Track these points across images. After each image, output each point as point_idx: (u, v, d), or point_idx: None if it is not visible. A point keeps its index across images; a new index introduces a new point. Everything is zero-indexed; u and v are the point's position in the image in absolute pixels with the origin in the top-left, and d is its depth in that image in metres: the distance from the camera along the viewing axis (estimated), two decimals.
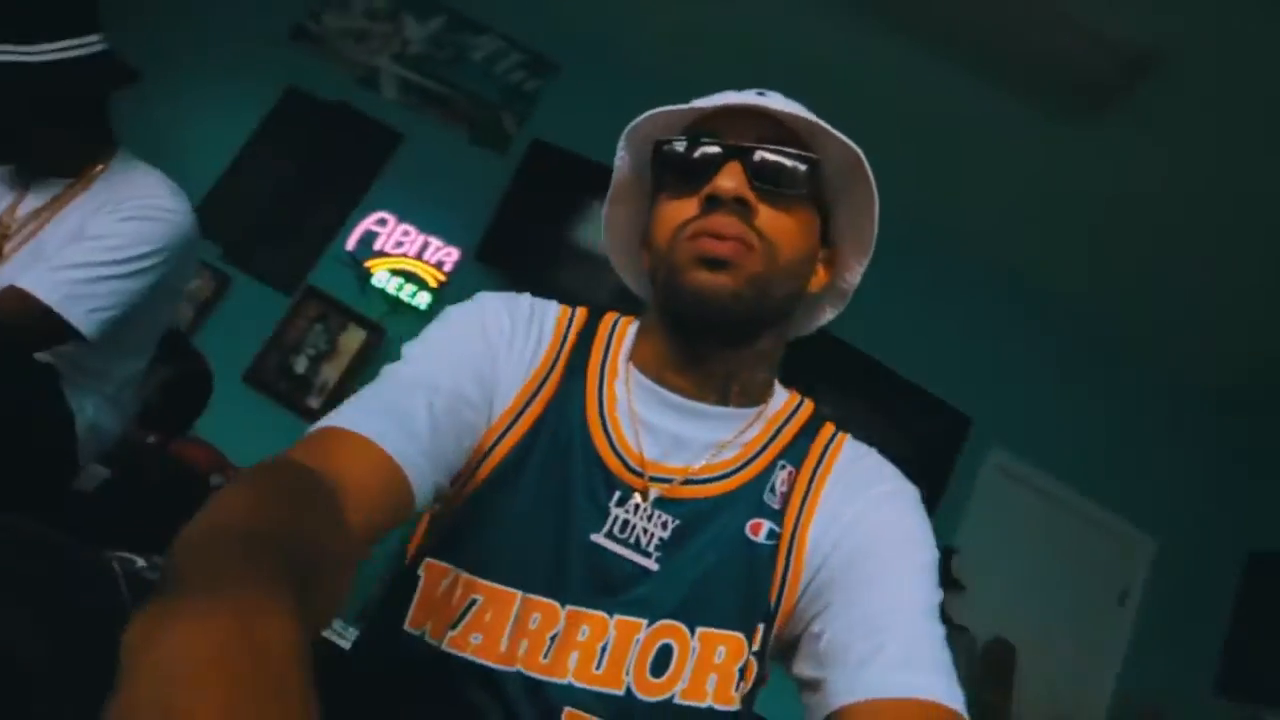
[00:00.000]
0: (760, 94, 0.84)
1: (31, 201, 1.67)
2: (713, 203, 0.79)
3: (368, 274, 3.51)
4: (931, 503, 3.29)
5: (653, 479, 0.83)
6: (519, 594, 0.78)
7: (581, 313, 0.92)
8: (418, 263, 3.55)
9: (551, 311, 0.91)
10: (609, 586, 0.79)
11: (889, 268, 3.29)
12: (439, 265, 3.56)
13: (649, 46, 3.57)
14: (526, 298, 0.92)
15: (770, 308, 0.83)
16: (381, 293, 3.51)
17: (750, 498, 0.84)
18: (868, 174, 0.83)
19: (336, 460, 0.63)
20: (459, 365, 0.80)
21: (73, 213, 1.62)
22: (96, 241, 1.54)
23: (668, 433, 0.84)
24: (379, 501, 0.65)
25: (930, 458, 3.57)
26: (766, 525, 0.83)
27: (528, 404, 0.85)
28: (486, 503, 0.82)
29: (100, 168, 1.65)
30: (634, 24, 3.61)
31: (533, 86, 3.86)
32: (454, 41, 3.89)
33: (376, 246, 3.56)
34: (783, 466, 0.86)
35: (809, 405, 0.94)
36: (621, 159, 0.90)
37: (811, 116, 0.82)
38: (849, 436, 0.92)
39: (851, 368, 3.54)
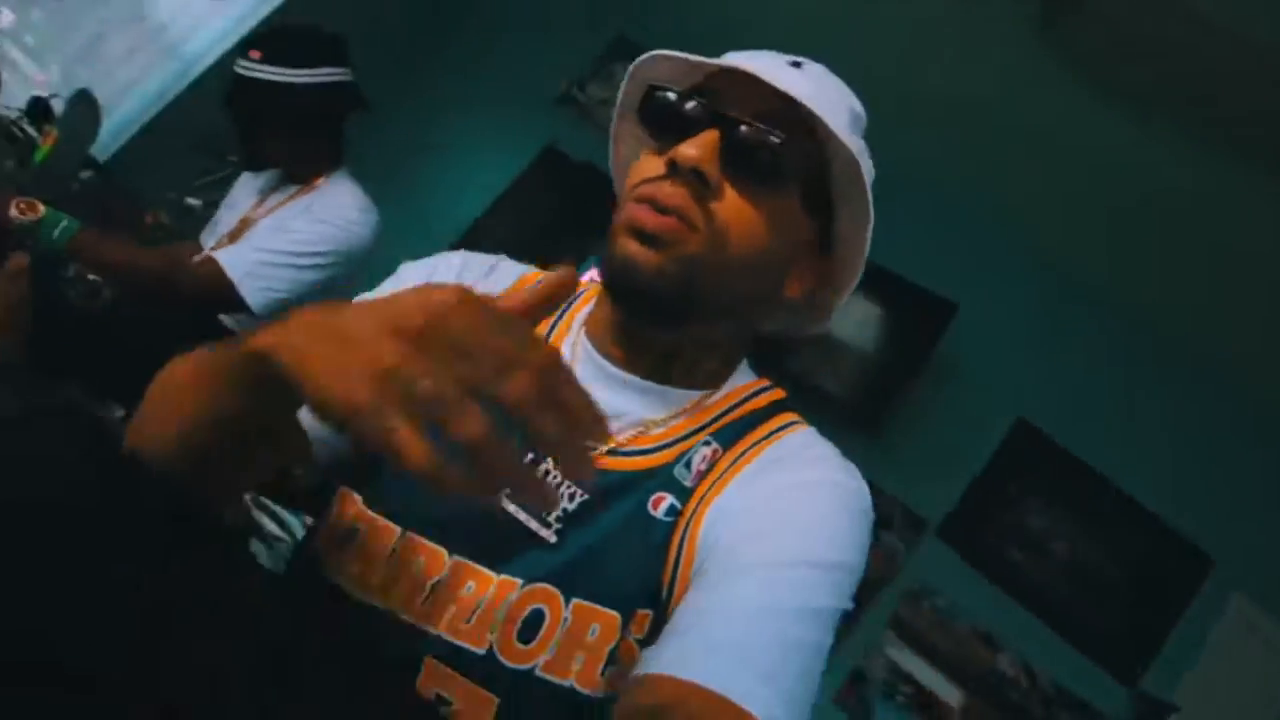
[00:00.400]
0: (795, 63, 0.76)
1: (270, 203, 1.98)
2: (671, 169, 0.72)
3: None
4: (1152, 648, 2.99)
5: None
6: (398, 530, 0.76)
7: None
8: None
9: (515, 270, 0.88)
10: (500, 547, 0.75)
11: (1127, 381, 3.12)
12: None
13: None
14: (492, 257, 0.89)
15: (707, 297, 0.74)
16: None
17: (664, 474, 0.77)
18: (865, 186, 0.75)
19: None
20: None
21: (285, 210, 1.92)
22: (286, 234, 1.85)
23: (601, 404, 0.76)
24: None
25: (1158, 597, 3.19)
26: (668, 500, 0.76)
27: None
28: None
29: (322, 180, 1.98)
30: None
31: None
32: None
33: None
34: (707, 443, 0.79)
35: (773, 394, 0.85)
36: (624, 93, 0.85)
37: (837, 101, 0.74)
38: (809, 429, 0.83)
39: (1076, 481, 3.26)
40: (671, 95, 0.75)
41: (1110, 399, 3.19)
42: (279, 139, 1.93)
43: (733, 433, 0.80)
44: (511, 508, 0.76)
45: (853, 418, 3.30)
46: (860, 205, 0.77)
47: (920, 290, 3.28)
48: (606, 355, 0.81)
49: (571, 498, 0.76)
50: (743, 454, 0.78)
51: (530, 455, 0.75)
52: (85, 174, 2.60)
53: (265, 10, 3.46)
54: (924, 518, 3.23)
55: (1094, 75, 2.65)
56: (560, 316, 0.86)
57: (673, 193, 0.71)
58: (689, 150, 0.70)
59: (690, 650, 0.62)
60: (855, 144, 0.75)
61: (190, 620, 0.51)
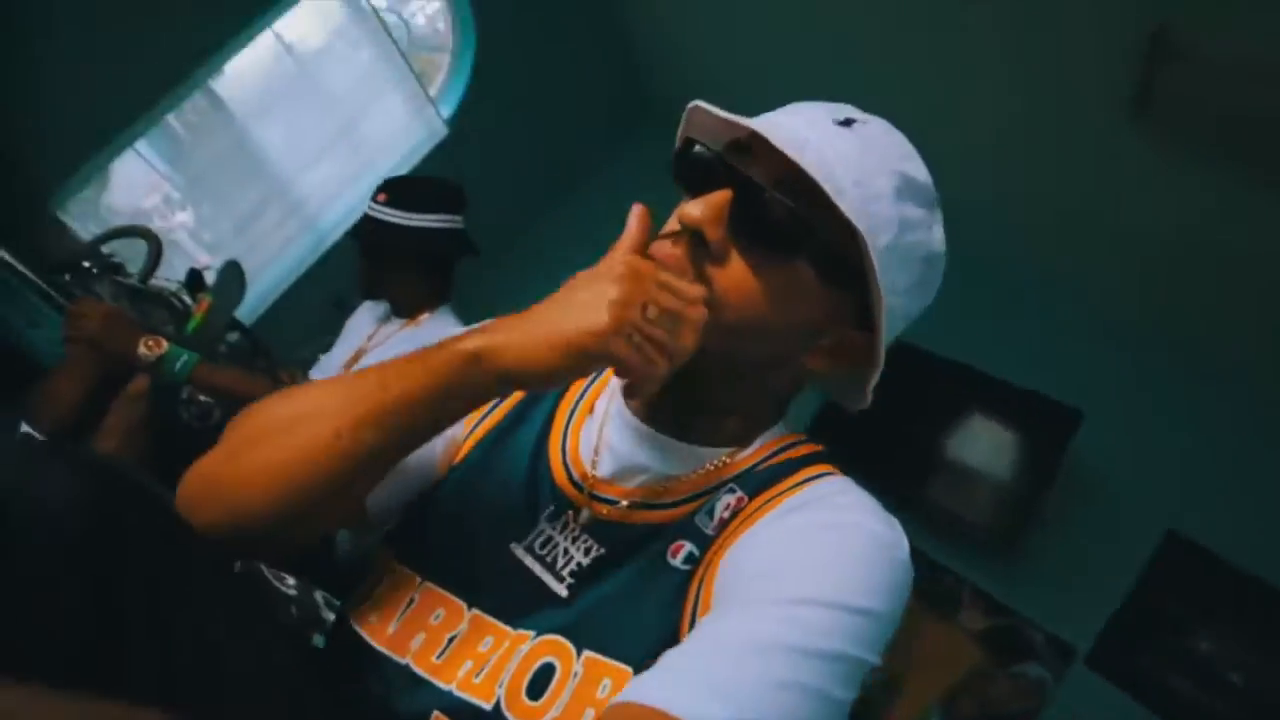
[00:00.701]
0: (846, 121, 0.71)
1: (379, 336, 2.14)
2: (683, 227, 0.70)
3: None
4: None
5: (594, 496, 0.78)
6: (418, 578, 0.76)
7: None
8: None
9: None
10: (517, 602, 0.74)
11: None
12: None
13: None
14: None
15: (705, 368, 0.71)
16: None
17: (685, 523, 0.75)
18: (873, 261, 0.67)
19: None
20: None
21: (390, 343, 2.06)
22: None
23: (624, 456, 0.78)
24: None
25: None
26: (687, 547, 0.73)
27: (490, 410, 0.85)
28: (439, 494, 0.82)
29: (426, 315, 2.11)
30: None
31: None
32: None
33: None
34: (731, 490, 0.75)
35: (808, 446, 0.81)
36: (677, 142, 0.82)
37: (876, 166, 0.68)
38: (844, 478, 0.76)
39: (1243, 596, 2.95)
40: (698, 149, 0.74)
41: (1273, 498, 2.88)
42: (393, 274, 2.11)
43: (759, 481, 0.76)
44: (528, 561, 0.75)
45: (988, 543, 3.14)
46: (888, 280, 0.70)
47: (1042, 399, 3.16)
48: (634, 410, 0.80)
49: (586, 552, 0.74)
50: (768, 501, 0.74)
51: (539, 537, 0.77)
52: (232, 336, 2.85)
53: None
54: (1072, 645, 2.99)
55: (1195, 156, 2.57)
56: (601, 371, 0.86)
57: (669, 253, 0.70)
58: (692, 210, 0.68)
59: (665, 677, 0.59)
60: (888, 214, 0.69)
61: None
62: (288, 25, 3.39)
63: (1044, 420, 3.15)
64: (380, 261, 2.12)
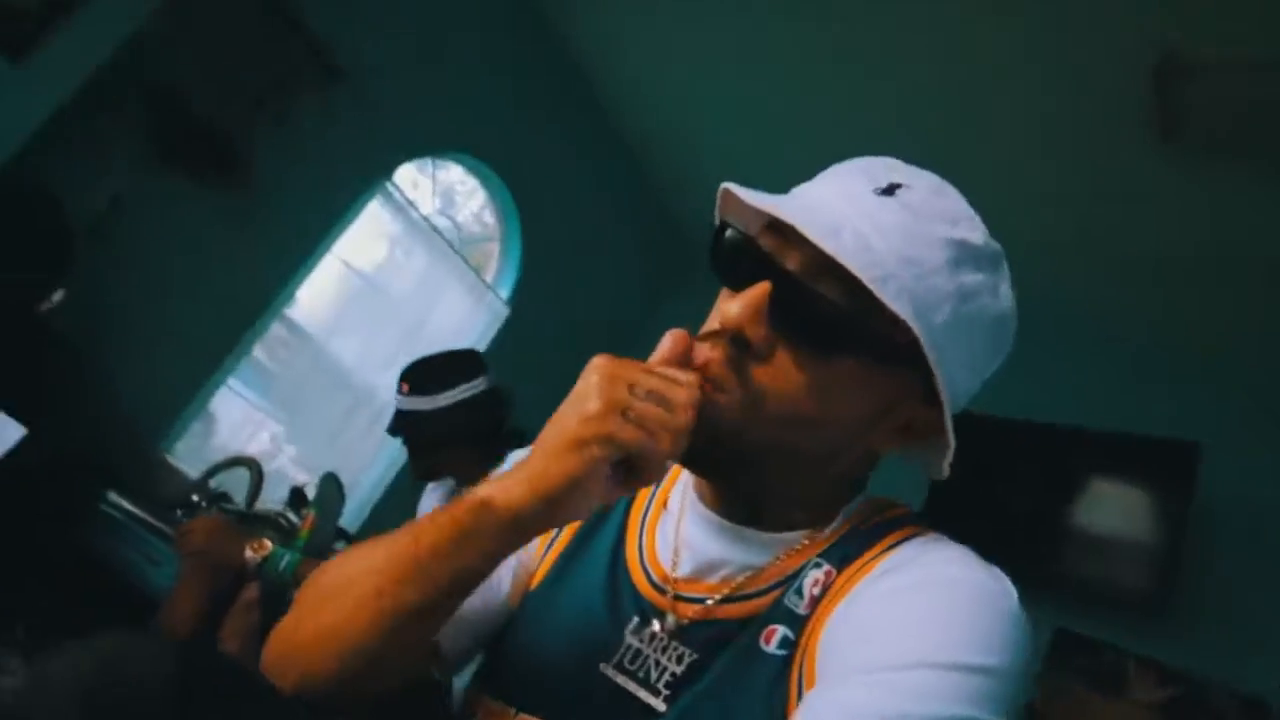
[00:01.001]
0: (889, 188, 0.68)
1: None
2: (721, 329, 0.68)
3: None
4: None
5: (678, 598, 0.75)
6: (512, 710, 0.74)
7: None
8: None
9: None
10: (609, 712, 0.71)
11: None
12: None
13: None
14: None
15: (744, 452, 0.69)
16: None
17: (775, 607, 0.71)
18: (929, 347, 0.64)
19: None
20: None
21: None
22: None
23: (704, 553, 0.76)
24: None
25: None
26: (780, 631, 0.69)
27: (560, 530, 0.84)
28: (518, 625, 0.81)
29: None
30: None
31: None
32: None
33: None
34: (818, 565, 0.72)
35: (892, 511, 0.77)
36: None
37: (924, 236, 0.65)
38: (938, 535, 0.72)
39: None
40: (732, 234, 0.72)
41: None
42: (440, 455, 2.16)
43: (847, 552, 0.72)
44: (620, 680, 0.72)
45: (1139, 605, 2.93)
46: (949, 356, 0.66)
47: (1153, 441, 3.01)
48: (707, 504, 0.78)
49: (679, 660, 0.71)
50: (859, 569, 0.69)
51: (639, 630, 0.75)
52: (339, 545, 2.96)
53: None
54: (1262, 699, 2.71)
55: (1227, 174, 2.54)
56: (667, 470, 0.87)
57: (708, 357, 0.67)
58: (730, 310, 0.66)
59: None
60: (944, 288, 0.65)
61: None
62: (347, 245, 3.69)
63: (1161, 461, 2.99)
64: (423, 449, 2.18)
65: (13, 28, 2.58)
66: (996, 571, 0.66)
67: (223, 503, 2.36)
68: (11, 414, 1.95)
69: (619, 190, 4.67)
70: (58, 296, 2.51)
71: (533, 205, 4.24)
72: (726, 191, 0.73)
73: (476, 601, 0.79)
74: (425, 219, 3.92)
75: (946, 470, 0.74)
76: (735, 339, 0.67)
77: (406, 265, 4.00)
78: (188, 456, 3.38)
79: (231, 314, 3.34)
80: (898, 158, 0.74)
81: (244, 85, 3.19)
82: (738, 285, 0.68)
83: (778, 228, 0.69)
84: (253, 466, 2.70)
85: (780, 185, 0.75)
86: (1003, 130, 2.99)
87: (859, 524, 0.75)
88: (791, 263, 0.67)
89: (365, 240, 3.81)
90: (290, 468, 3.81)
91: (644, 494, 0.85)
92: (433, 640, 0.78)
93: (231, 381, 3.45)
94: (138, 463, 2.99)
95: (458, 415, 2.11)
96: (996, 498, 3.19)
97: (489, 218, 4.45)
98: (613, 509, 0.85)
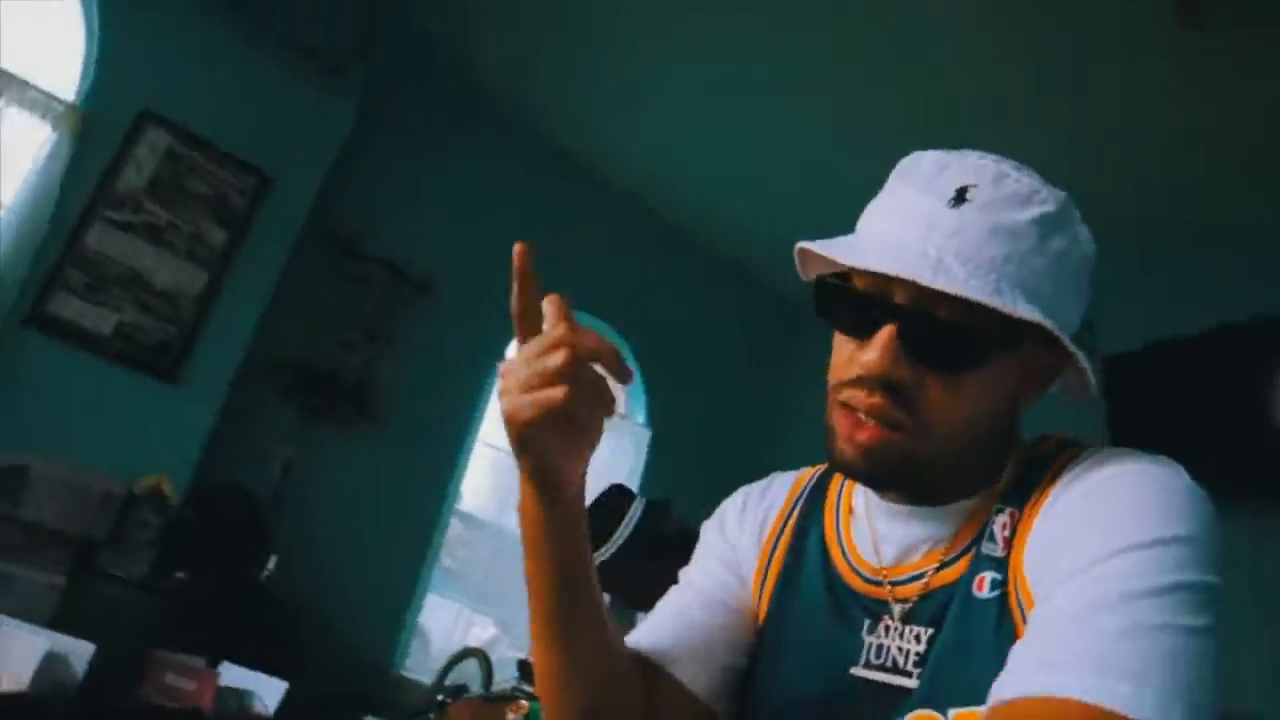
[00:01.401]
0: (959, 195, 0.71)
1: None
2: (861, 378, 0.71)
3: None
4: None
5: (894, 584, 0.79)
6: None
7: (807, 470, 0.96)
8: None
9: (788, 478, 0.96)
10: (882, 714, 0.75)
11: None
12: None
13: None
14: (763, 482, 0.97)
15: (930, 466, 0.74)
16: None
17: (976, 560, 0.75)
18: (1048, 323, 0.68)
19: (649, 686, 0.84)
20: (709, 562, 0.92)
21: None
22: None
23: (901, 539, 0.80)
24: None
25: None
26: (989, 576, 0.73)
27: (769, 562, 0.88)
28: (761, 658, 0.86)
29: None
30: None
31: None
32: None
33: None
34: (1000, 510, 0.76)
35: (1051, 442, 0.80)
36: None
37: (1008, 223, 0.69)
38: (1089, 449, 0.75)
39: None
40: (835, 285, 0.76)
41: None
42: (633, 587, 2.21)
43: (1022, 490, 0.76)
44: (874, 676, 0.77)
45: None
46: (1064, 311, 0.72)
47: None
48: (885, 496, 0.82)
49: (918, 639, 0.76)
50: (1038, 500, 0.73)
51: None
52: None
53: None
54: None
55: None
56: (843, 485, 0.91)
57: (870, 403, 0.71)
58: (870, 361, 0.70)
59: (1017, 674, 0.59)
60: (1041, 265, 0.70)
61: None
62: (489, 430, 3.96)
63: None
64: (619, 589, 2.28)
65: (162, 358, 3.00)
66: (1162, 458, 0.71)
67: (464, 693, 2.53)
68: (273, 673, 2.19)
69: (713, 286, 4.89)
70: (272, 564, 2.81)
71: (641, 332, 4.49)
72: (803, 250, 0.78)
73: (719, 643, 0.86)
74: None
75: (1095, 385, 0.78)
76: (884, 383, 0.70)
77: None
78: (416, 669, 3.61)
79: (412, 529, 3.62)
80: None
81: (353, 328, 3.56)
82: (858, 332, 0.73)
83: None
84: (480, 655, 2.89)
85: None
86: None
87: (1024, 467, 0.79)
88: (901, 297, 0.70)
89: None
90: (506, 649, 3.99)
91: (830, 511, 0.91)
92: (690, 693, 0.85)
93: (431, 592, 3.70)
94: (381, 685, 3.22)
95: (630, 553, 2.20)
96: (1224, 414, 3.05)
97: None
98: (808, 534, 0.90)
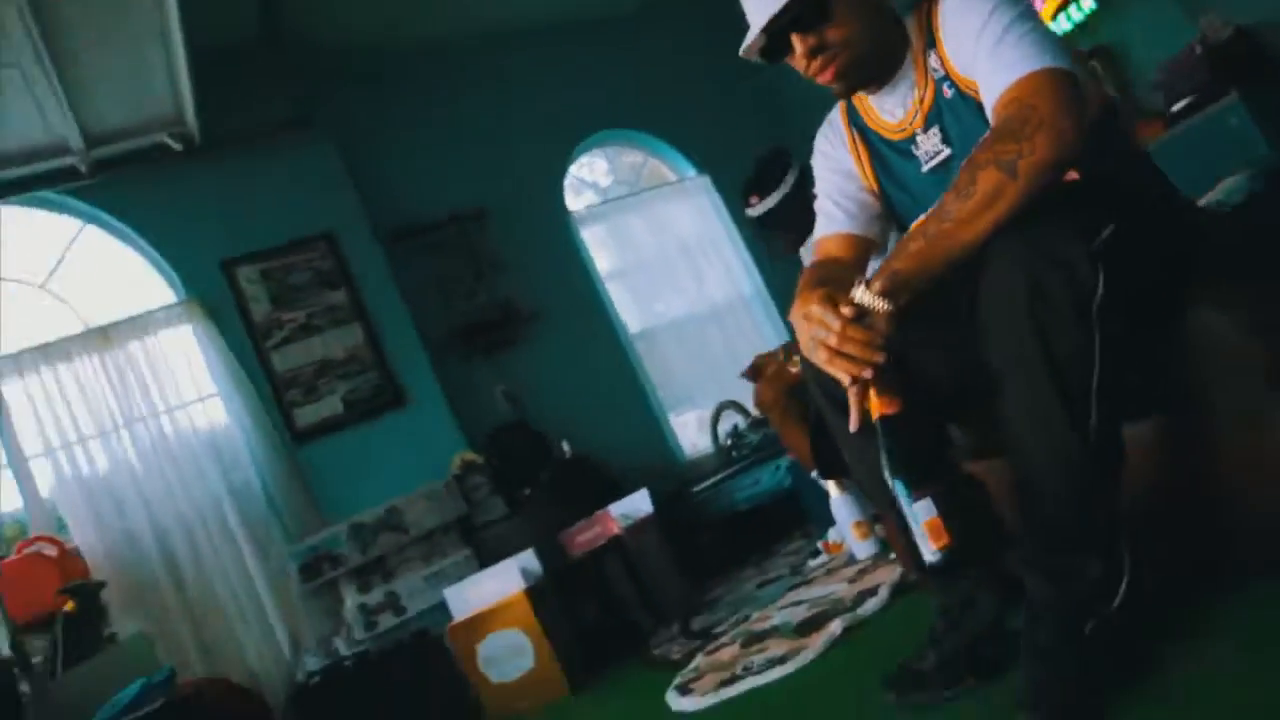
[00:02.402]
0: None
1: None
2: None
3: None
4: None
5: (910, 124, 1.32)
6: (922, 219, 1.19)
7: (841, 104, 1.44)
8: None
9: (834, 114, 1.46)
10: (944, 182, 1.14)
11: None
12: None
13: None
14: (825, 122, 1.48)
15: (868, 63, 1.27)
16: None
17: (935, 83, 1.28)
18: None
19: (826, 248, 1.42)
20: (829, 175, 1.45)
21: None
22: None
23: (891, 107, 1.34)
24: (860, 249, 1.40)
25: None
26: (944, 84, 1.27)
27: (858, 153, 1.43)
28: (888, 199, 1.41)
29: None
30: None
31: None
32: None
33: None
34: (926, 53, 1.28)
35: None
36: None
37: None
38: None
39: None
40: (766, 45, 1.28)
41: None
42: (800, 227, 2.62)
43: (925, 33, 1.28)
44: (932, 164, 1.33)
45: None
46: None
47: None
48: (870, 94, 1.36)
49: (937, 134, 1.30)
50: (935, 29, 1.27)
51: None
52: None
53: None
54: None
55: None
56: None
57: (817, 66, 1.25)
58: (801, 52, 1.26)
59: (991, 87, 1.13)
60: None
61: None
62: (600, 265, 4.64)
63: None
64: (790, 231, 2.72)
65: (384, 397, 3.78)
66: None
67: None
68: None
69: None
70: (566, 446, 3.67)
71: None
72: (746, 50, 1.31)
73: (868, 209, 1.41)
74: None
75: None
76: (813, 54, 1.24)
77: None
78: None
79: (614, 366, 4.44)
80: None
81: (464, 279, 4.26)
82: (789, 51, 1.26)
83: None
84: (732, 404, 3.67)
85: None
86: None
87: (916, 22, 1.29)
88: (785, 19, 1.23)
89: None
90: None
91: (861, 114, 1.40)
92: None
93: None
94: (679, 471, 4.11)
95: (796, 199, 2.54)
96: None
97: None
98: (863, 130, 1.41)
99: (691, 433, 4.67)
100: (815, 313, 1.12)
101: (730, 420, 4.13)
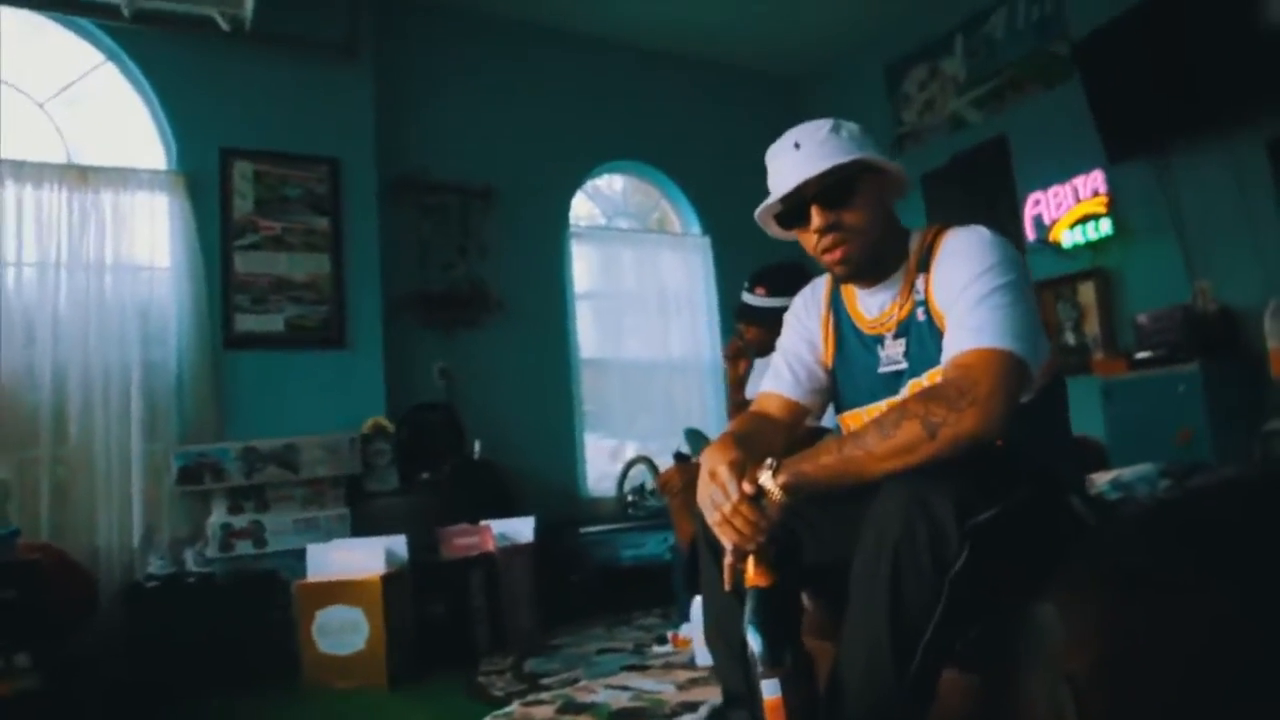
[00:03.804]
0: (797, 147, 1.33)
1: None
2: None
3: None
4: None
5: (882, 324, 1.40)
6: (853, 411, 1.43)
7: (828, 278, 1.51)
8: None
9: (820, 282, 1.56)
10: (891, 388, 1.35)
11: None
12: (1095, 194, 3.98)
13: None
14: (809, 287, 1.58)
15: (868, 257, 1.36)
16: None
17: (914, 303, 1.36)
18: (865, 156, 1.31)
19: (765, 405, 1.50)
20: (795, 339, 1.53)
21: None
22: None
23: (874, 304, 1.42)
24: (794, 413, 1.48)
25: None
26: (921, 309, 1.34)
27: (826, 330, 1.49)
28: (836, 376, 1.49)
29: None
30: None
31: None
32: None
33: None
34: (919, 274, 1.36)
35: (930, 229, 1.38)
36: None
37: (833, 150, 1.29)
38: (950, 228, 1.36)
39: None
40: (784, 211, 1.37)
41: None
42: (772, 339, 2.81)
43: (923, 258, 1.36)
44: (889, 368, 1.39)
45: None
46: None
47: None
48: (860, 285, 1.43)
49: (901, 345, 1.37)
50: (931, 261, 1.34)
51: None
52: None
53: None
54: None
55: None
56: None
57: (827, 244, 1.35)
58: (817, 226, 1.33)
59: (952, 344, 1.20)
60: (856, 148, 1.32)
61: None
62: (580, 285, 4.69)
63: None
64: (770, 334, 2.83)
65: (327, 333, 3.78)
66: (974, 226, 1.33)
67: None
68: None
69: (721, 94, 5.38)
70: (477, 446, 3.70)
71: (675, 157, 5.10)
72: (761, 214, 1.42)
73: (815, 381, 1.50)
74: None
75: (908, 183, 1.43)
76: (827, 231, 1.33)
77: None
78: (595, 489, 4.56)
79: (555, 384, 4.48)
80: None
81: (448, 249, 4.27)
82: (806, 222, 1.35)
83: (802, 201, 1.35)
84: (644, 460, 3.76)
85: None
86: None
87: (921, 246, 1.38)
88: (807, 192, 1.32)
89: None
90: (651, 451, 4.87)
91: (843, 296, 1.50)
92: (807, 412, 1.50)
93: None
94: (576, 505, 4.17)
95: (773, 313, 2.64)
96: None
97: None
98: (839, 311, 1.49)
99: (602, 463, 4.73)
100: (721, 475, 1.20)
101: (640, 478, 4.20)
